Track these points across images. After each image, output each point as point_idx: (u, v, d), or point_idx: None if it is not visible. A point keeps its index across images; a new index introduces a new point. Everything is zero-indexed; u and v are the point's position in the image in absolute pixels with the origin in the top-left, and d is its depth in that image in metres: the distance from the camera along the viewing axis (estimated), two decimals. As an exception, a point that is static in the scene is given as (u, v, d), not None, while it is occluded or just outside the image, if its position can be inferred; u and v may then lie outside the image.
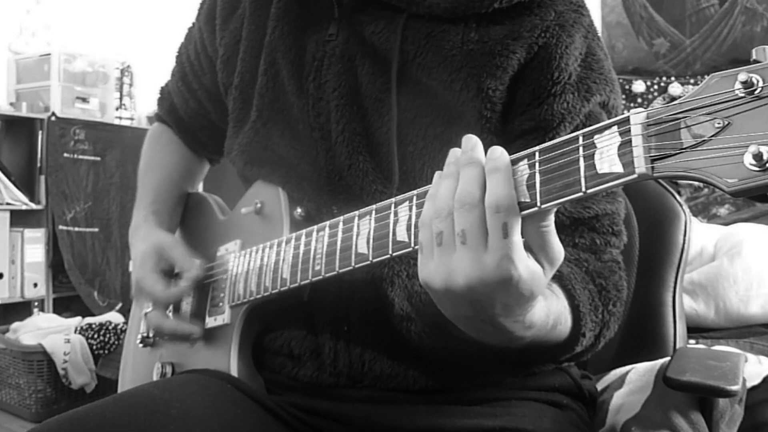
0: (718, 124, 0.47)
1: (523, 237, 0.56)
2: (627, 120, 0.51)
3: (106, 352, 2.83)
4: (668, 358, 0.93)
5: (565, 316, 0.71)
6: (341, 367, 0.83)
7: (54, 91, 3.38)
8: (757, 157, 0.44)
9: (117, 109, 3.77)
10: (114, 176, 3.52)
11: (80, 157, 3.39)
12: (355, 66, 0.85)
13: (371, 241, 0.68)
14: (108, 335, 2.85)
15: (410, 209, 0.65)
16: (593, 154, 0.52)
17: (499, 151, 0.57)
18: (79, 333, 2.84)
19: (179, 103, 1.12)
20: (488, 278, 0.55)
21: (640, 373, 0.97)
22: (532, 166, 0.56)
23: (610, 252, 0.81)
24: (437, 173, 0.60)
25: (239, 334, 0.88)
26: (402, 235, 0.65)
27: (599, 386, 0.99)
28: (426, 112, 0.81)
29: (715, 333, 2.10)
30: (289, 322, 0.87)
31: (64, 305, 3.41)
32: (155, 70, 2.56)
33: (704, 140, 0.47)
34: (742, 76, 0.46)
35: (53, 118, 3.29)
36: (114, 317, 3.01)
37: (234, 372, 0.87)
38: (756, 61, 0.46)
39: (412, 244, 0.64)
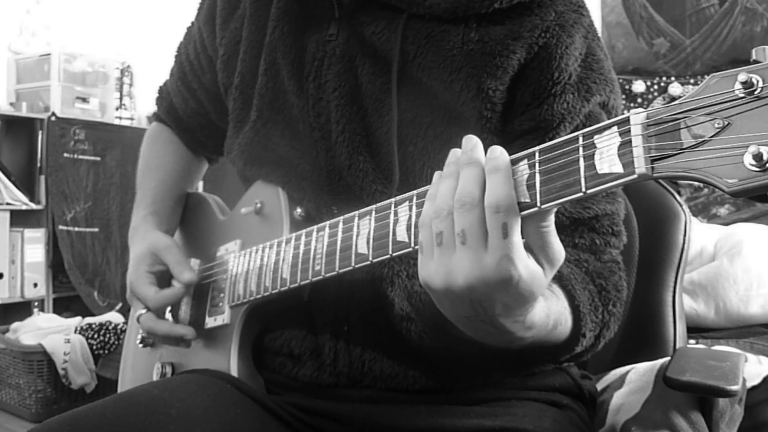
0: (718, 124, 0.47)
1: (523, 237, 0.56)
2: (627, 120, 0.51)
3: (106, 352, 2.83)
4: (668, 358, 0.94)
5: (566, 317, 0.71)
6: (341, 367, 0.83)
7: (54, 91, 3.38)
8: (757, 157, 0.44)
9: (117, 109, 3.77)
10: (114, 176, 3.52)
11: (80, 157, 3.39)
12: (356, 66, 0.85)
13: (371, 241, 0.68)
14: (108, 335, 2.85)
15: (410, 209, 0.65)
16: (593, 155, 0.52)
17: (498, 151, 0.57)
18: (79, 333, 2.84)
19: (178, 102, 1.12)
20: (488, 278, 0.55)
21: (640, 373, 0.97)
22: (532, 166, 0.56)
23: (610, 252, 0.81)
24: (437, 173, 0.60)
25: (239, 334, 0.88)
26: (402, 235, 0.65)
27: (599, 386, 0.99)
28: (426, 112, 0.82)
29: (715, 333, 2.10)
30: (289, 322, 0.87)
31: (64, 305, 3.41)
32: (155, 70, 2.56)
33: (704, 140, 0.47)
34: (742, 77, 0.46)
35: (53, 118, 3.29)
36: (114, 317, 3.01)
37: (234, 372, 0.87)
38: (756, 62, 0.46)
39: (412, 244, 0.64)
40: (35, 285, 3.24)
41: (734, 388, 0.81)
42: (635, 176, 0.50)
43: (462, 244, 0.56)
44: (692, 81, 3.57)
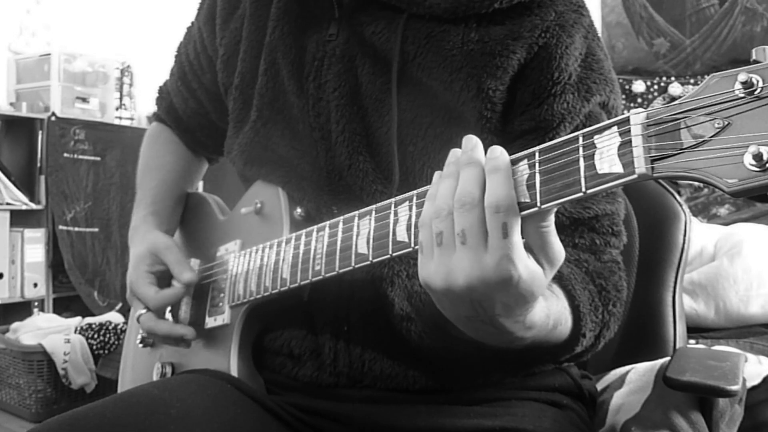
0: (718, 124, 0.47)
1: (523, 237, 0.56)
2: (627, 120, 0.51)
3: (106, 352, 2.83)
4: (668, 358, 0.93)
5: (566, 317, 0.71)
6: (341, 367, 0.83)
7: (54, 91, 3.38)
8: (757, 157, 0.44)
9: (117, 109, 3.77)
10: (114, 176, 3.52)
11: (80, 157, 3.39)
12: (356, 66, 0.85)
13: (371, 241, 0.68)
14: (108, 335, 2.85)
15: (410, 209, 0.65)
16: (593, 155, 0.52)
17: (498, 151, 0.57)
18: (79, 333, 2.84)
19: (178, 102, 1.12)
20: (488, 278, 0.55)
21: (640, 373, 0.97)
22: (532, 166, 0.56)
23: (610, 252, 0.81)
24: (437, 173, 0.60)
25: (239, 334, 0.88)
26: (402, 235, 0.65)
27: (599, 386, 0.99)
28: (426, 112, 0.81)
29: (715, 333, 2.10)
30: (289, 322, 0.87)
31: (64, 305, 3.41)
32: (155, 70, 2.56)
33: (704, 140, 0.47)
34: (742, 77, 0.46)
35: (53, 118, 3.29)
36: (114, 317, 3.01)
37: (234, 372, 0.87)
38: (756, 62, 0.46)
39: (412, 244, 0.64)
40: (35, 285, 3.24)
41: (734, 388, 0.81)
42: (635, 176, 0.50)
43: (462, 244, 0.56)
44: (692, 81, 3.57)
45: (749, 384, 0.93)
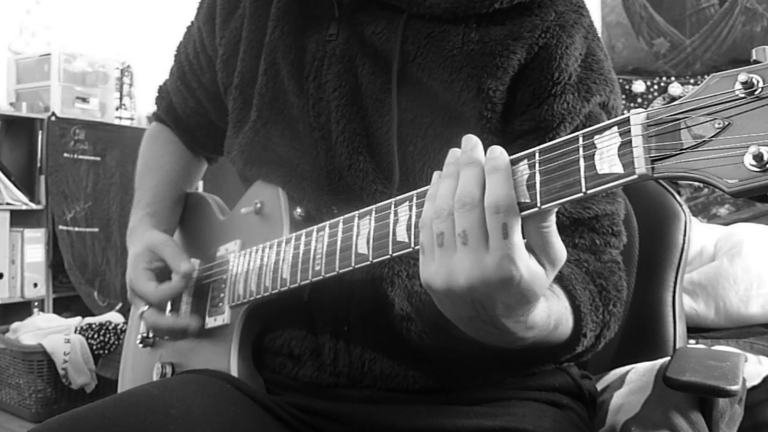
0: (719, 124, 0.47)
1: (524, 238, 0.56)
2: (627, 120, 0.51)
3: (106, 352, 2.83)
4: (668, 358, 0.93)
5: (566, 317, 0.71)
6: (341, 367, 0.83)
7: (54, 91, 3.38)
8: (758, 157, 0.44)
9: (117, 109, 3.77)
10: (114, 176, 3.52)
11: (80, 157, 3.39)
12: (356, 66, 0.85)
13: (371, 241, 0.68)
14: (108, 335, 2.85)
15: (410, 209, 0.65)
16: (593, 155, 0.52)
17: (498, 151, 0.57)
18: (79, 333, 2.84)
19: (178, 102, 1.12)
20: (489, 278, 0.55)
21: (640, 373, 0.97)
22: (532, 166, 0.56)
23: (610, 252, 0.81)
24: (437, 173, 0.60)
25: (239, 334, 0.88)
26: (402, 235, 0.65)
27: (599, 386, 0.99)
28: (426, 112, 0.81)
29: (715, 333, 2.10)
30: (289, 322, 0.87)
31: (64, 305, 3.41)
32: (155, 70, 2.56)
33: (704, 141, 0.47)
34: (742, 77, 0.46)
35: (53, 118, 3.29)
36: (114, 317, 3.01)
37: (234, 372, 0.87)
38: (756, 62, 0.46)
39: (412, 245, 0.64)
40: (35, 285, 3.24)
41: (734, 388, 0.81)
42: (635, 176, 0.50)
43: (463, 245, 0.56)
44: (692, 81, 3.57)
45: (749, 384, 0.93)
